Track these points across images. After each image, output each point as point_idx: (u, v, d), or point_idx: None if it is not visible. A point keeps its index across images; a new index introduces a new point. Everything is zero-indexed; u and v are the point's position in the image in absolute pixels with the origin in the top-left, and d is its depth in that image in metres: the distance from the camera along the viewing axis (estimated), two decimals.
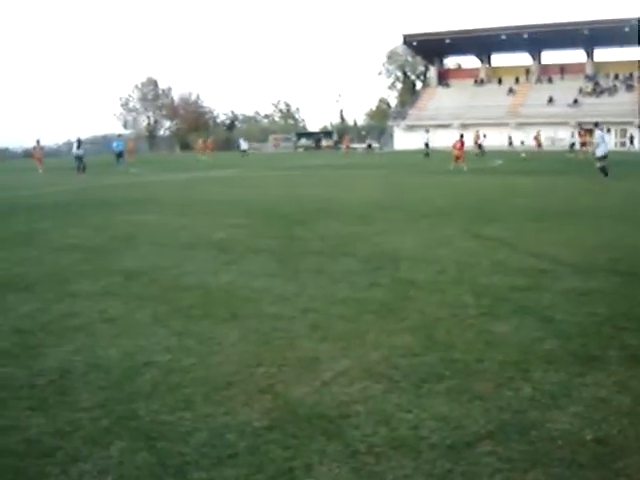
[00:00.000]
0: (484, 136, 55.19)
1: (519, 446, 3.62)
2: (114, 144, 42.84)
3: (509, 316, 6.17)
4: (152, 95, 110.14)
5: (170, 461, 3.54)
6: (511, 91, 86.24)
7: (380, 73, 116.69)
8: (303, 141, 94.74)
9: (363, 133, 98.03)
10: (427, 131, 57.26)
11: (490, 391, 4.40)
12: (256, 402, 4.31)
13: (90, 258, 9.70)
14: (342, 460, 3.51)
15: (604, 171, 24.35)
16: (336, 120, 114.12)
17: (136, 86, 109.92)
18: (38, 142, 43.13)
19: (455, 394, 4.36)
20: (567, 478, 3.30)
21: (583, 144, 50.34)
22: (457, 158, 33.89)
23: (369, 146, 77.72)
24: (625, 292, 7.10)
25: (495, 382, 4.56)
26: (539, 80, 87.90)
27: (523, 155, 49.58)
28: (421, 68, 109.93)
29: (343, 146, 73.19)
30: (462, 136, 36.94)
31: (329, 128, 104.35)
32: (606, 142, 25.54)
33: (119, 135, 50.59)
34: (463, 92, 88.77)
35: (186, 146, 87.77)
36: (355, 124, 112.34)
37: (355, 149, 78.94)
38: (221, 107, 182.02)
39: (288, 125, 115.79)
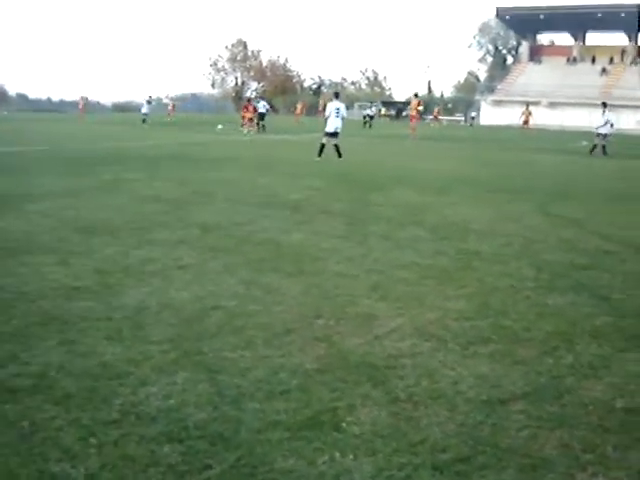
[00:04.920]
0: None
1: (550, 408, 3.86)
2: (260, 104, 43.16)
3: (565, 291, 6.34)
4: (241, 56, 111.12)
5: (227, 392, 3.91)
6: (604, 71, 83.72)
7: (470, 46, 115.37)
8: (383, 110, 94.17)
9: (449, 105, 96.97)
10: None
11: (532, 357, 4.63)
12: (311, 348, 4.65)
13: (170, 210, 10.21)
14: (383, 405, 3.82)
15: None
16: (423, 91, 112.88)
17: (226, 47, 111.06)
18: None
19: (498, 357, 4.61)
20: (590, 440, 3.52)
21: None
22: (250, 120, 37.82)
23: (472, 118, 76.41)
24: None
25: (539, 350, 4.78)
26: (634, 62, 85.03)
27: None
28: (513, 43, 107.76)
29: (431, 117, 72.01)
30: (249, 100, 42.06)
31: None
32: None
33: (261, 97, 52.20)
34: (554, 70, 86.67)
35: (272, 108, 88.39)
36: (442, 96, 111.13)
37: (441, 121, 78.24)
38: (308, 72, 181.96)
39: (374, 93, 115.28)
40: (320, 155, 19.98)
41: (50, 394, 3.85)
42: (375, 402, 3.84)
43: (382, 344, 4.78)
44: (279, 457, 3.23)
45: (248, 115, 37.47)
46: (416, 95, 41.52)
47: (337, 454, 3.26)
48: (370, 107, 60.06)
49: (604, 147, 27.08)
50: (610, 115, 28.10)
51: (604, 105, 28.81)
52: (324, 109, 50.28)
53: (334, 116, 20.32)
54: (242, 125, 37.16)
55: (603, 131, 27.52)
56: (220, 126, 40.99)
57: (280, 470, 3.12)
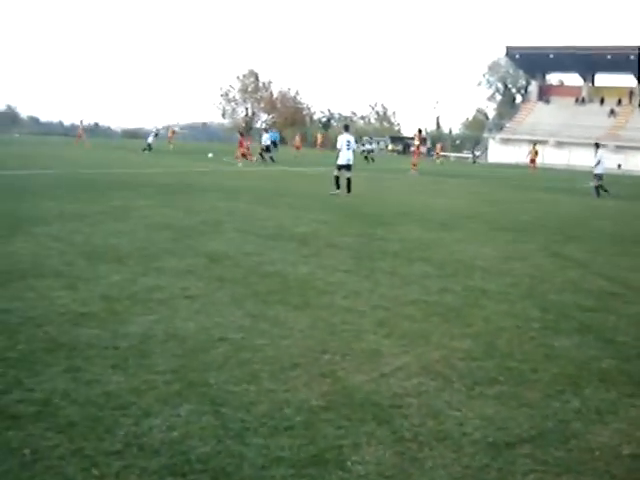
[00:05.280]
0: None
1: (557, 452, 3.83)
2: (264, 136, 42.87)
3: (571, 333, 6.32)
4: (252, 87, 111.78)
5: (232, 425, 3.90)
6: (612, 112, 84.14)
7: (480, 84, 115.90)
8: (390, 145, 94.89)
9: (457, 142, 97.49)
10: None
11: (539, 400, 4.61)
12: (316, 384, 4.63)
13: (179, 238, 10.23)
14: (388, 444, 3.79)
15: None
16: (432, 127, 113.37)
17: (237, 77, 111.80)
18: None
19: (504, 399, 4.58)
20: None
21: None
22: (243, 155, 37.92)
23: (477, 156, 76.50)
24: None
25: (545, 392, 4.75)
26: None
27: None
28: (522, 82, 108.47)
29: (434, 153, 72.03)
30: (242, 135, 40.43)
31: (423, 134, 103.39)
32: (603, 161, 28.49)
33: (265, 129, 50.01)
34: (563, 109, 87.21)
35: (281, 140, 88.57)
36: (450, 132, 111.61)
37: (447, 157, 78.59)
38: (318, 105, 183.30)
39: (383, 128, 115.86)
40: (338, 187, 19.88)
41: (53, 422, 3.84)
42: (380, 441, 3.82)
43: (388, 382, 4.76)
44: None
45: (241, 150, 37.41)
46: (420, 131, 41.64)
47: None
48: (370, 142, 59.90)
49: (602, 186, 27.39)
50: (603, 154, 28.55)
51: (597, 146, 29.25)
52: (322, 144, 50.53)
53: (345, 149, 20.27)
54: (235, 157, 37.12)
55: (599, 171, 27.86)
56: (210, 154, 41.81)
57: None
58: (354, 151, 20.61)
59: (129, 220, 11.89)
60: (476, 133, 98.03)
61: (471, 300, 7.39)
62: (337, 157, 20.54)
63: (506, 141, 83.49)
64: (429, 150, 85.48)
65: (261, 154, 39.99)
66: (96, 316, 5.94)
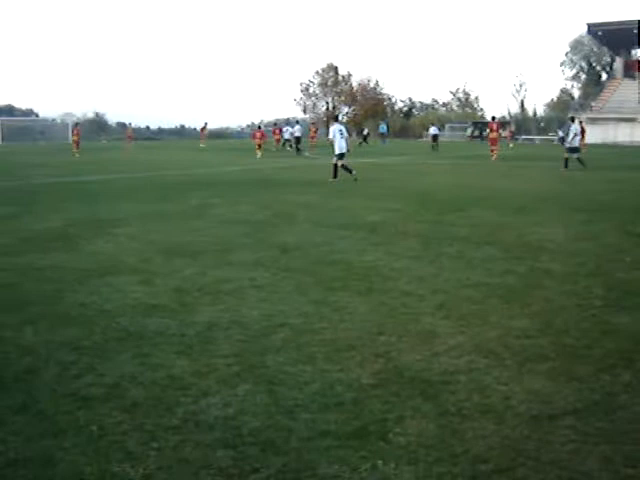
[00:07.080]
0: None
1: (599, 423, 3.89)
2: (295, 127, 44.45)
3: (633, 309, 6.29)
4: (332, 81, 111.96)
5: (284, 403, 4.13)
6: None
7: (563, 63, 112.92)
8: (469, 131, 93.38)
9: (542, 124, 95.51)
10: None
11: (589, 374, 4.66)
12: (369, 364, 4.82)
13: (252, 232, 10.57)
14: (431, 417, 3.95)
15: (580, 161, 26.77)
16: (515, 110, 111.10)
17: (317, 72, 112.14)
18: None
19: (554, 374, 4.66)
20: (635, 455, 3.55)
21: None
22: (258, 147, 37.79)
23: (562, 139, 74.04)
24: None
25: (596, 367, 4.80)
26: None
27: None
28: (607, 59, 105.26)
29: (506, 137, 68.64)
30: (260, 128, 42.18)
31: (507, 118, 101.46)
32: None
33: (297, 122, 50.65)
34: None
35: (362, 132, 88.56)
36: (535, 114, 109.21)
37: (533, 140, 76.79)
38: (399, 94, 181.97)
39: (466, 114, 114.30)
40: (335, 176, 20.43)
41: (120, 402, 4.16)
42: (424, 415, 3.98)
43: (439, 360, 4.91)
44: (324, 463, 3.41)
45: (257, 142, 37.95)
46: (493, 118, 41.07)
47: (380, 462, 3.42)
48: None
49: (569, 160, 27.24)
50: (577, 127, 28.62)
51: (572, 119, 29.38)
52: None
53: (339, 137, 20.73)
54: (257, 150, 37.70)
55: (576, 144, 27.90)
56: (307, 153, 42.44)
57: (323, 475, 3.30)
58: (347, 139, 21.04)
59: (205, 217, 12.32)
60: (561, 114, 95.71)
61: (534, 281, 7.42)
62: (334, 147, 20.88)
63: (593, 120, 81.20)
64: (512, 134, 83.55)
65: (291, 146, 41.04)
66: (166, 307, 6.28)
